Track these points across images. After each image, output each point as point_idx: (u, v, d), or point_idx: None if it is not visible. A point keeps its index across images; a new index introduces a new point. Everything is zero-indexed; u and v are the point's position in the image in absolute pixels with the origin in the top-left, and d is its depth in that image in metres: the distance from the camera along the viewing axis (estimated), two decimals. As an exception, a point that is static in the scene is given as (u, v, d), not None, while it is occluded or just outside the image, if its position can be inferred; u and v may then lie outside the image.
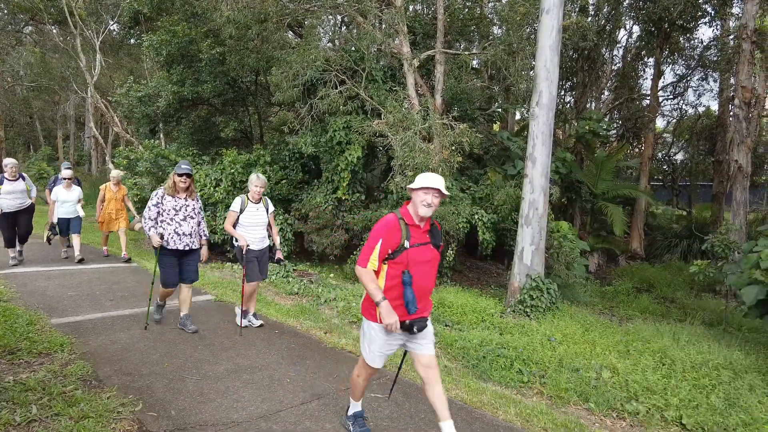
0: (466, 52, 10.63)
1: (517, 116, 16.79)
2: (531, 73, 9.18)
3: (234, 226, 5.17)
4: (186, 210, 4.96)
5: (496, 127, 15.30)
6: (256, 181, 5.15)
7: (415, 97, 9.10)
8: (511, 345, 5.28)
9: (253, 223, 5.16)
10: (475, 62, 11.49)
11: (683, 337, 5.86)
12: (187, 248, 4.95)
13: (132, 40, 19.95)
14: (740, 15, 13.25)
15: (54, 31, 22.53)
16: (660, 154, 21.59)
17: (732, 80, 15.28)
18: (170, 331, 5.09)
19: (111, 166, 18.20)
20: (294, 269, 9.01)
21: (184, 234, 4.90)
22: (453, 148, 8.15)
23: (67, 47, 21.20)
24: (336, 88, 9.11)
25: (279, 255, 5.41)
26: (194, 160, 11.36)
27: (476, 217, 8.85)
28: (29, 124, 33.67)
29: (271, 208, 5.41)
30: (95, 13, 19.88)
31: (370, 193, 10.74)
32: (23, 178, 8.02)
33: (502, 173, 10.41)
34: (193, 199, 5.04)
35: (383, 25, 9.92)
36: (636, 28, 16.95)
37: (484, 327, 6.12)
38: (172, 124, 13.82)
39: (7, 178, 7.80)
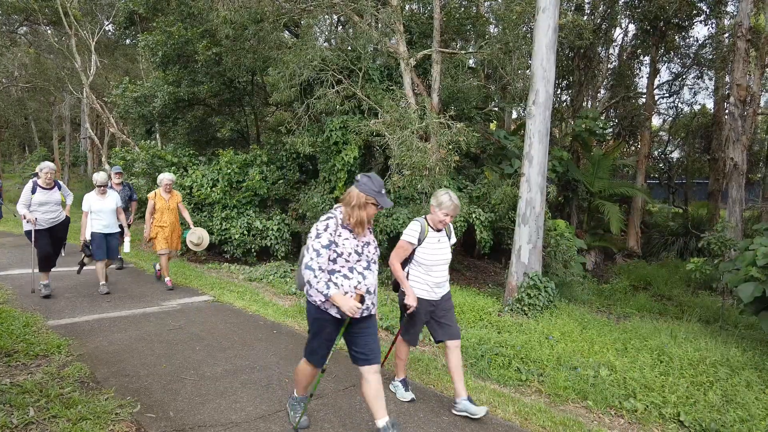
0: (463, 51, 10.63)
1: (514, 115, 16.81)
2: (527, 71, 9.20)
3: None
4: (368, 252, 3.01)
5: (492, 126, 15.32)
6: (449, 203, 3.43)
7: (412, 97, 9.10)
8: (509, 343, 5.29)
9: (435, 261, 3.56)
10: (471, 61, 11.50)
11: (680, 335, 5.88)
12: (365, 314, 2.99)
13: (127, 41, 19.92)
14: (735, 13, 13.33)
15: (49, 31, 22.41)
16: (656, 152, 21.64)
17: (727, 78, 15.35)
18: (168, 333, 5.08)
19: (107, 167, 18.13)
20: (292, 269, 9.00)
21: (368, 293, 2.96)
22: (450, 147, 8.15)
23: (62, 48, 21.10)
24: (333, 88, 9.10)
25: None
26: (191, 161, 11.34)
27: (473, 216, 8.86)
28: (24, 125, 33.50)
29: (453, 239, 3.78)
30: (90, 13, 19.82)
31: (367, 192, 10.70)
32: (59, 187, 6.53)
33: (499, 172, 10.41)
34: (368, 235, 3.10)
35: (379, 25, 9.91)
36: (632, 27, 17.03)
37: (482, 326, 6.12)
38: (169, 125, 13.80)
39: (40, 186, 6.26)
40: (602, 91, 18.55)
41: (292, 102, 9.63)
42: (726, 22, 16.25)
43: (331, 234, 2.85)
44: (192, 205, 9.96)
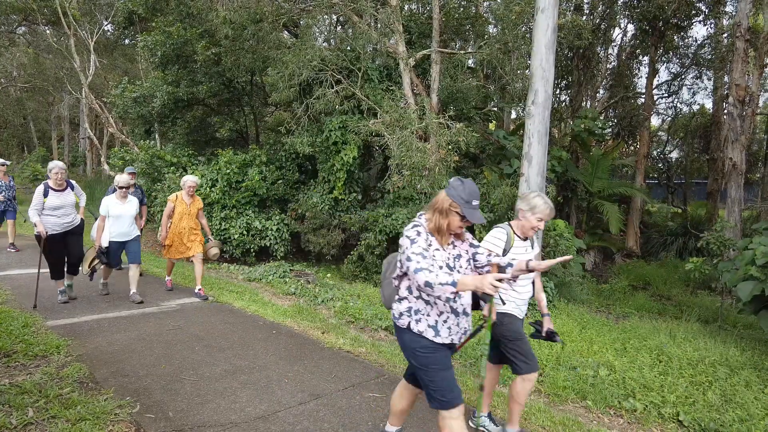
0: (462, 51, 10.63)
1: (513, 115, 16.82)
2: (526, 71, 9.20)
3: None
4: (459, 266, 2.56)
5: (492, 126, 15.32)
6: (543, 206, 3.02)
7: (411, 97, 9.11)
8: (508, 343, 5.28)
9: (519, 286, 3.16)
10: (470, 61, 11.51)
11: (679, 334, 5.89)
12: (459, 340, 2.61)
13: (126, 41, 19.92)
14: (734, 13, 13.34)
15: (47, 31, 22.39)
16: (655, 152, 21.67)
17: (726, 78, 15.36)
18: (167, 333, 5.08)
19: (106, 167, 18.12)
20: (291, 269, 8.99)
21: (463, 313, 2.58)
22: (449, 147, 8.16)
23: (60, 48, 21.08)
24: (332, 88, 9.10)
25: (550, 325, 3.32)
26: (190, 161, 11.33)
27: (473, 216, 8.86)
28: (23, 126, 33.46)
29: (538, 247, 3.37)
30: (89, 13, 19.80)
31: (366, 192, 10.74)
32: (71, 187, 5.99)
33: (498, 172, 10.42)
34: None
35: (379, 25, 9.92)
36: (630, 27, 17.03)
37: (481, 325, 6.12)
38: (168, 125, 13.80)
39: (52, 188, 5.74)
40: (601, 91, 18.57)
41: (292, 102, 9.63)
42: (725, 22, 16.27)
43: (424, 241, 2.43)
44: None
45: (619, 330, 6.19)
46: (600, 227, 14.02)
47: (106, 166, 18.35)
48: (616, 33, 17.73)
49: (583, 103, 16.97)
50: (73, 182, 6.10)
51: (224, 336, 5.08)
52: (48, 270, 5.96)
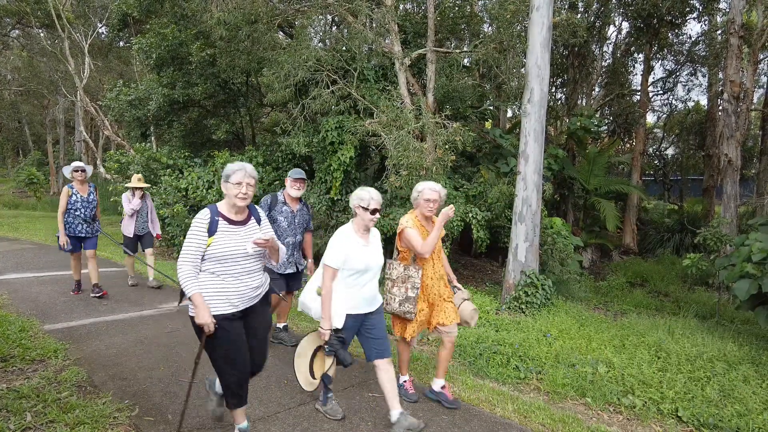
0: (457, 51, 10.64)
1: (509, 114, 16.83)
2: (522, 70, 9.21)
3: None
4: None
5: (488, 124, 15.34)
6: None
7: (407, 96, 9.10)
8: (507, 341, 5.30)
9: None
10: (466, 60, 11.50)
11: (677, 331, 5.91)
12: None
13: (121, 43, 19.84)
14: (727, 10, 13.38)
15: (41, 34, 22.30)
16: (651, 149, 21.76)
17: (720, 75, 15.43)
18: (165, 336, 5.06)
19: (102, 170, 18.06)
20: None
21: None
22: (446, 146, 8.16)
23: (55, 51, 21.01)
24: (328, 88, 9.09)
25: None
26: (186, 163, 11.30)
27: (470, 215, 8.87)
28: (18, 129, 33.35)
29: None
30: (83, 16, 19.73)
31: (363, 192, 10.72)
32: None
33: (494, 171, 10.43)
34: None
35: (374, 25, 9.91)
36: (625, 24, 17.08)
37: (480, 324, 6.13)
38: (164, 127, 13.75)
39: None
40: (597, 89, 18.61)
41: (287, 103, 9.61)
42: (719, 18, 16.35)
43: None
44: (188, 208, 9.92)
45: (618, 327, 6.20)
46: (597, 225, 14.06)
47: (102, 169, 18.29)
48: (611, 30, 17.79)
49: (579, 101, 17.01)
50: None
51: (223, 338, 5.06)
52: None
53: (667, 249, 14.34)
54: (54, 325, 5.19)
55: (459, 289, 3.91)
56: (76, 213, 6.22)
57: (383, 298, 3.55)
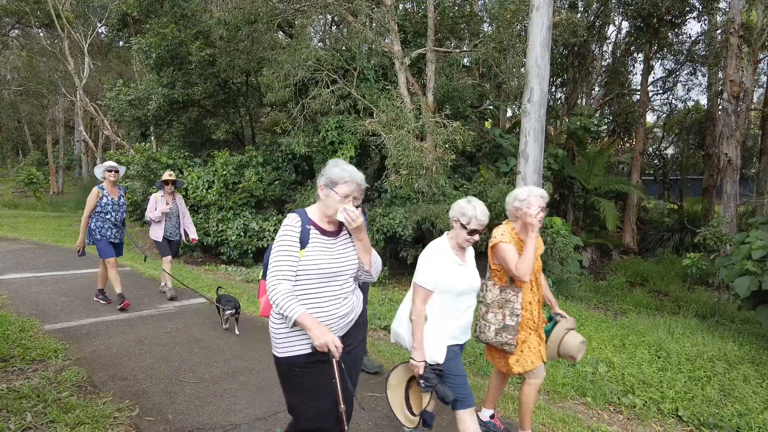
0: (457, 50, 10.64)
1: (509, 113, 16.83)
2: (522, 70, 9.21)
3: None
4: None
5: (488, 124, 15.34)
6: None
7: (407, 96, 9.10)
8: (507, 341, 5.29)
9: None
10: (466, 60, 11.51)
11: (678, 330, 5.91)
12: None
13: (121, 43, 19.83)
14: (727, 9, 13.39)
15: (41, 34, 22.30)
16: (651, 149, 21.75)
17: (720, 74, 15.43)
18: (165, 336, 5.06)
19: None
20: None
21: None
22: (446, 146, 8.16)
23: (54, 50, 21.01)
24: (328, 88, 9.09)
25: None
26: (186, 163, 11.30)
27: (470, 214, 8.87)
28: (17, 129, 33.34)
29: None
30: (83, 15, 19.73)
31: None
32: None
33: (494, 170, 10.43)
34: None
35: (374, 24, 9.90)
36: (625, 24, 17.08)
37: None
38: (163, 127, 13.75)
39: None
40: (597, 89, 18.61)
41: (287, 102, 9.61)
42: (718, 18, 16.35)
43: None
44: (188, 207, 9.92)
45: (618, 326, 6.20)
46: (597, 224, 14.07)
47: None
48: (611, 30, 17.79)
49: (579, 101, 17.00)
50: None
51: (223, 337, 5.07)
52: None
53: (667, 248, 14.34)
54: (54, 325, 5.18)
55: (563, 316, 3.21)
56: (106, 216, 5.77)
57: (475, 325, 3.02)
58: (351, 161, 9.21)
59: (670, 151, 22.97)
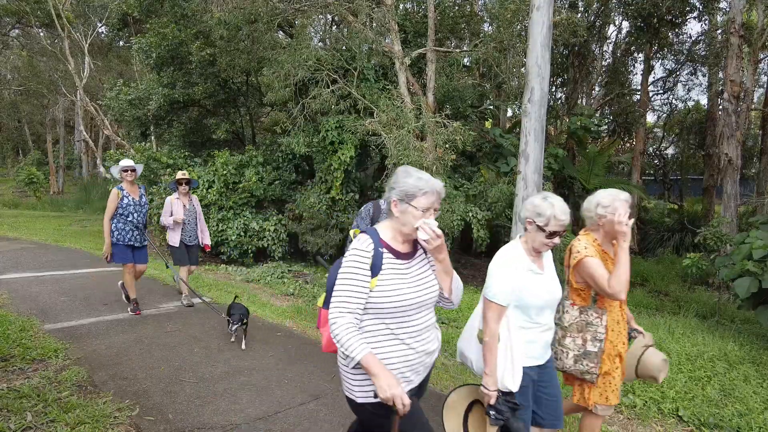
0: (458, 50, 10.64)
1: (509, 113, 16.84)
2: (522, 70, 9.21)
3: None
4: None
5: (488, 124, 15.34)
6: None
7: (408, 96, 9.10)
8: (507, 341, 5.28)
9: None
10: (466, 60, 11.51)
11: (678, 330, 5.90)
12: None
13: (121, 43, 19.86)
14: (727, 9, 13.39)
15: (41, 34, 22.30)
16: (651, 149, 21.76)
17: (720, 74, 15.43)
18: (166, 335, 5.06)
19: (102, 169, 18.07)
20: (289, 270, 8.98)
21: None
22: (446, 146, 8.17)
23: (54, 50, 21.01)
24: (328, 88, 9.09)
25: None
26: (186, 162, 11.30)
27: (470, 214, 8.87)
28: (18, 129, 33.33)
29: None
30: (83, 15, 19.73)
31: (363, 192, 10.73)
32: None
33: (495, 170, 10.43)
34: None
35: (374, 24, 9.91)
36: (625, 24, 17.08)
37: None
38: (164, 127, 13.75)
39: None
40: (597, 89, 18.61)
41: (287, 102, 9.61)
42: (719, 18, 16.35)
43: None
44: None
45: (618, 326, 6.19)
46: (597, 224, 14.05)
47: (101, 169, 18.29)
48: (611, 30, 17.79)
49: (579, 101, 17.01)
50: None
51: (223, 337, 5.07)
52: None
53: (667, 248, 14.34)
54: (54, 324, 5.18)
55: (640, 332, 2.81)
56: (128, 218, 5.45)
57: (551, 350, 2.60)
58: (351, 161, 9.22)
59: (670, 151, 22.98)
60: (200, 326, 5.42)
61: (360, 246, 1.94)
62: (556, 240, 2.32)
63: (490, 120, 15.50)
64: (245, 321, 4.76)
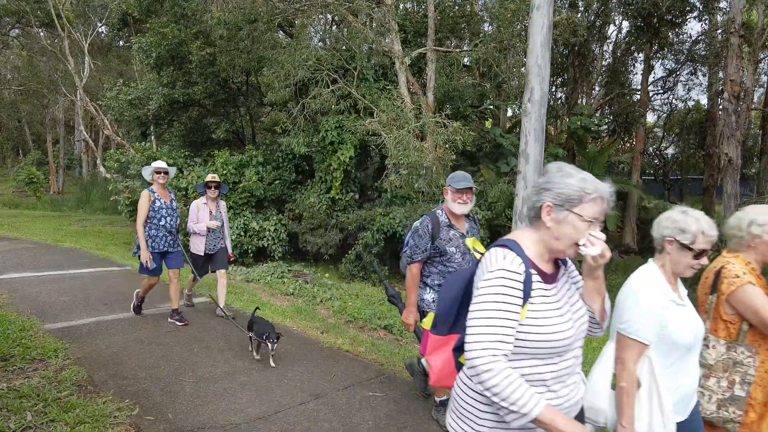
0: (458, 50, 10.65)
1: (509, 113, 16.84)
2: (522, 69, 9.21)
3: None
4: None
5: (488, 124, 15.35)
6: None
7: (407, 96, 9.11)
8: (507, 341, 5.29)
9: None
10: (466, 60, 11.52)
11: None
12: None
13: (121, 42, 19.87)
14: (727, 9, 13.39)
15: (41, 33, 22.31)
16: (651, 149, 21.77)
17: (721, 74, 15.42)
18: (166, 335, 5.06)
19: (102, 169, 18.07)
20: (289, 270, 8.98)
21: None
22: (446, 146, 8.17)
23: (54, 50, 21.02)
24: (328, 88, 9.10)
25: None
26: (186, 162, 11.30)
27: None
28: (18, 129, 33.34)
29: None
30: (83, 15, 19.74)
31: (363, 192, 10.74)
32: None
33: (495, 170, 10.44)
34: None
35: (374, 24, 9.91)
36: (625, 24, 17.09)
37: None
38: (164, 127, 13.76)
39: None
40: (597, 88, 18.62)
41: (287, 102, 9.63)
42: (719, 18, 16.35)
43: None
44: (188, 208, 9.93)
45: (618, 326, 6.19)
46: (597, 224, 14.06)
47: (102, 169, 18.29)
48: (611, 30, 17.80)
49: (579, 101, 17.01)
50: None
51: (223, 337, 5.07)
52: None
53: (667, 248, 14.32)
54: (54, 324, 5.18)
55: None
56: (161, 223, 5.12)
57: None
58: (351, 161, 9.22)
59: (670, 150, 22.98)
60: (200, 326, 5.42)
61: (509, 267, 1.47)
62: (704, 261, 1.97)
63: (490, 120, 15.51)
64: (277, 338, 4.27)
